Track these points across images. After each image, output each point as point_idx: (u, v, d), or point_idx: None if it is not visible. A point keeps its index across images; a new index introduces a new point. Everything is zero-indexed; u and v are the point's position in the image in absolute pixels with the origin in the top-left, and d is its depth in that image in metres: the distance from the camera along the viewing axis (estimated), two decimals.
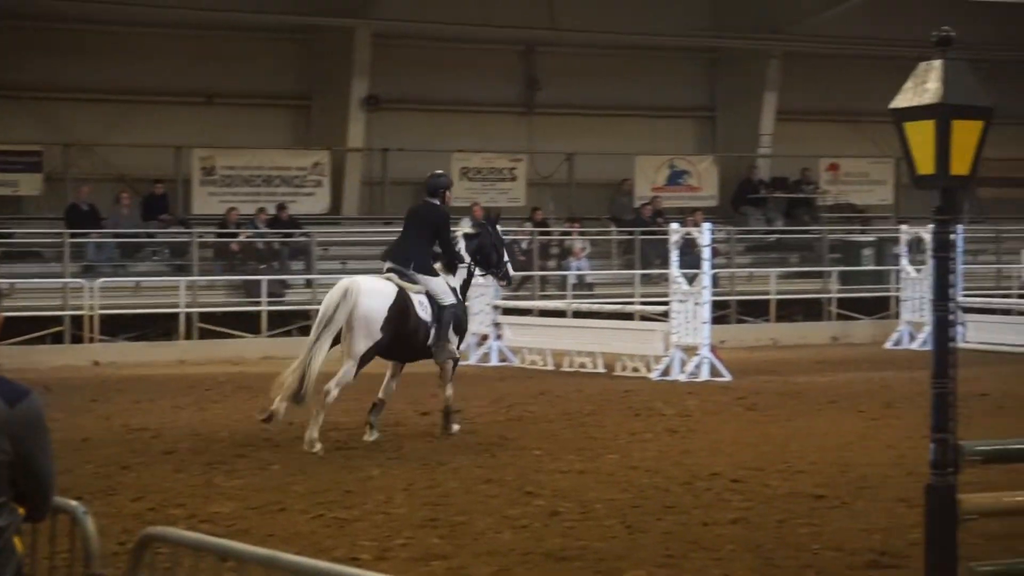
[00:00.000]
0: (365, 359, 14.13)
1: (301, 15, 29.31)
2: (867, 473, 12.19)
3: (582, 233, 29.82)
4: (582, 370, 21.72)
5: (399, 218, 30.65)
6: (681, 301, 20.55)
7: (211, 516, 10.44)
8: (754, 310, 28.91)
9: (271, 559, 4.42)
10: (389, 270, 14.67)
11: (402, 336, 14.30)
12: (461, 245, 15.23)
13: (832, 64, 33.66)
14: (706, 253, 20.77)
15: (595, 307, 24.50)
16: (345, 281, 14.45)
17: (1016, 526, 9.11)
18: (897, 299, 27.03)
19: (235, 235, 27.05)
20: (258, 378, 20.89)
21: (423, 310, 14.42)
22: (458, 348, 15.21)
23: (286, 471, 12.49)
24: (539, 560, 9.15)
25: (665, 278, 21.92)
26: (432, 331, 14.48)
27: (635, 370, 20.96)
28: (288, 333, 25.65)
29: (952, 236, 6.83)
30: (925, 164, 6.62)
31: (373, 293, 14.17)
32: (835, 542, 9.51)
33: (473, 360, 23.24)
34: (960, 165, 6.60)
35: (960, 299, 25.44)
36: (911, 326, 25.44)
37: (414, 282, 14.45)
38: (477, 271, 15.60)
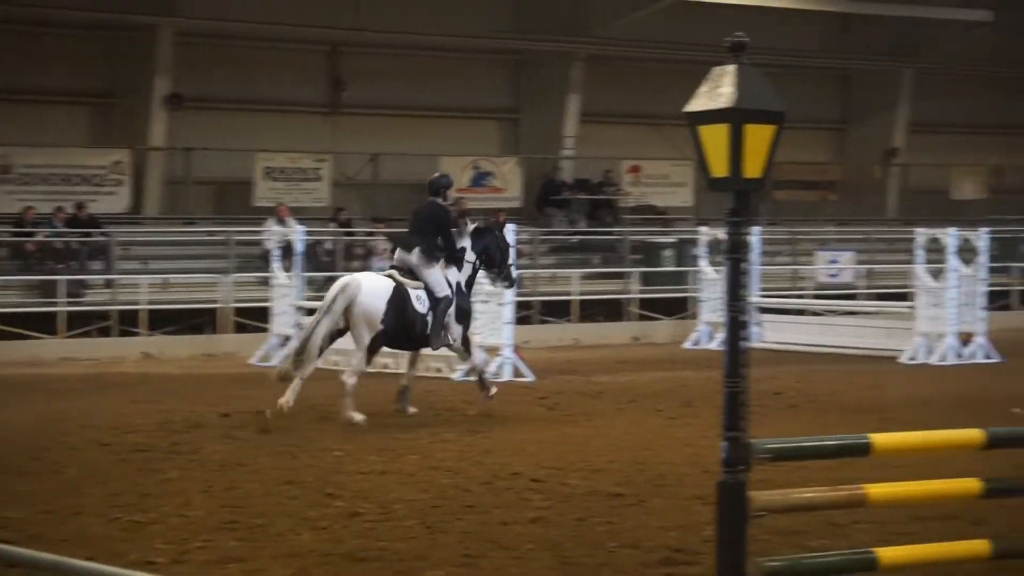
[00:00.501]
0: (372, 349, 15.74)
1: (103, 12, 28.74)
2: (664, 471, 12.37)
3: (386, 234, 29.75)
4: (385, 371, 21.68)
5: (202, 217, 30.48)
6: (484, 302, 20.64)
7: (2, 521, 10.20)
8: (557, 310, 29.15)
9: (57, 564, 4.33)
10: (392, 266, 16.16)
11: (401, 327, 15.74)
12: (468, 243, 16.35)
13: (634, 67, 34.13)
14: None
15: None
16: (345, 278, 16.05)
17: (805, 521, 9.35)
18: (696, 299, 27.47)
19: (32, 234, 26.46)
20: (57, 379, 20.56)
21: (420, 304, 15.78)
22: (464, 334, 16.28)
23: (82, 474, 12.26)
24: (338, 561, 9.12)
25: None
26: (430, 323, 15.81)
27: (437, 371, 20.97)
28: (87, 334, 25.20)
29: (746, 237, 6.96)
30: (719, 167, 6.73)
31: (372, 290, 15.63)
32: (631, 540, 9.63)
33: (273, 361, 23.09)
34: (753, 168, 6.72)
35: (756, 299, 26.05)
36: (710, 326, 25.86)
37: (414, 277, 15.81)
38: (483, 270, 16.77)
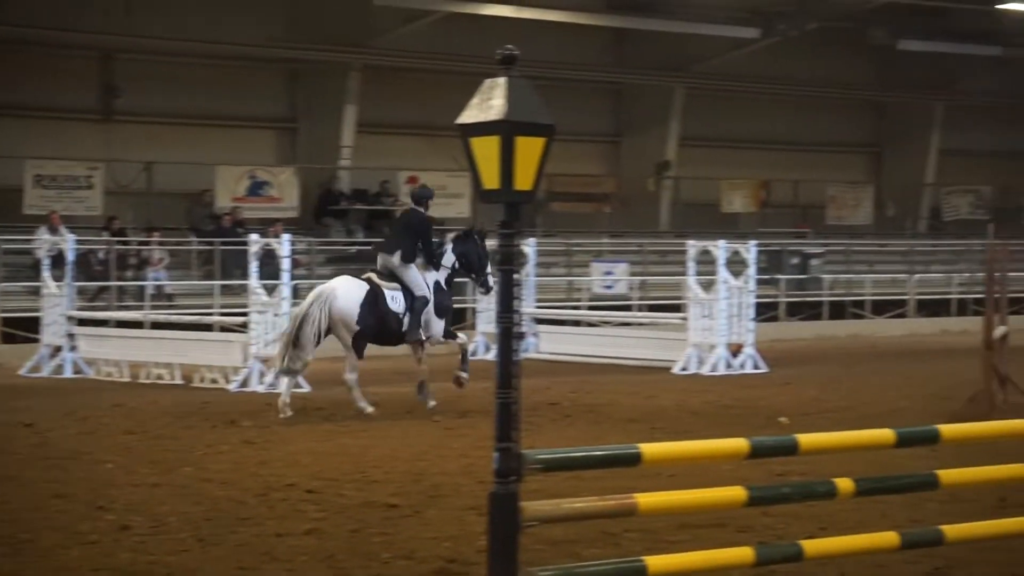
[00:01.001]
0: (357, 346, 17.22)
1: None
2: (440, 482, 12.39)
3: (161, 243, 29.32)
4: (159, 382, 21.39)
5: None
6: (260, 312, 20.47)
7: None
8: None
9: None
10: (372, 270, 17.58)
11: (378, 325, 17.24)
12: (448, 247, 17.87)
13: (410, 78, 34.22)
14: (286, 264, 20.79)
15: (173, 318, 24.16)
16: (320, 287, 17.57)
17: (579, 531, 9.47)
18: (474, 310, 27.59)
19: None
20: None
21: (395, 303, 17.27)
22: (445, 330, 17.77)
23: None
24: None
25: (245, 289, 21.77)
26: (406, 318, 17.30)
27: (213, 381, 20.76)
28: None
29: (518, 249, 7.01)
30: (490, 179, 6.78)
31: (346, 294, 17.16)
32: (406, 550, 9.63)
33: (46, 372, 22.60)
34: (523, 180, 6.78)
35: (531, 310, 26.28)
36: (487, 337, 26.00)
37: (391, 277, 17.30)
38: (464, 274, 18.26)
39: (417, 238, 17.53)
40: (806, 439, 7.52)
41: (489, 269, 18.07)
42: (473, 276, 18.37)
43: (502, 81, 6.72)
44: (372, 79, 33.38)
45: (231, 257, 28.44)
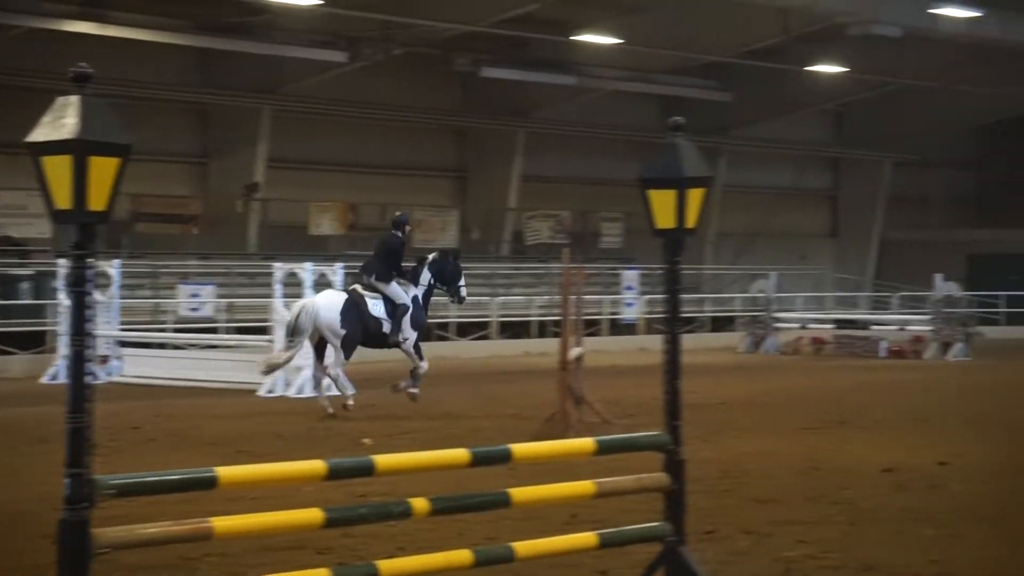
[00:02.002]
0: (345, 349, 19.76)
1: None
2: (15, 509, 11.99)
3: None
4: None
5: None
6: None
7: None
8: None
9: None
10: (354, 283, 20.32)
11: (361, 328, 19.77)
12: (426, 267, 20.28)
13: None
14: None
15: None
16: (301, 301, 20.50)
17: (158, 557, 9.32)
18: (55, 333, 26.81)
19: None
20: None
21: (376, 309, 19.81)
22: (416, 341, 20.19)
23: None
24: None
25: None
26: (387, 324, 19.82)
27: None
28: None
29: (91, 270, 6.87)
30: (62, 199, 6.62)
31: (327, 305, 19.79)
32: None
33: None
34: (97, 201, 6.64)
35: (115, 333, 25.73)
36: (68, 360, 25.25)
37: (373, 290, 19.84)
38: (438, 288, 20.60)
39: (392, 259, 20.02)
40: (383, 460, 7.61)
41: (461, 283, 20.67)
42: (446, 289, 20.71)
43: (75, 99, 6.57)
44: None
45: None
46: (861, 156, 52.10)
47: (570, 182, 44.98)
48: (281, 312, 23.67)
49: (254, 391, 23.28)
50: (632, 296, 39.38)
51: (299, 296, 23.44)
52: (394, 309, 19.88)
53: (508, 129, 42.87)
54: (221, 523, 6.93)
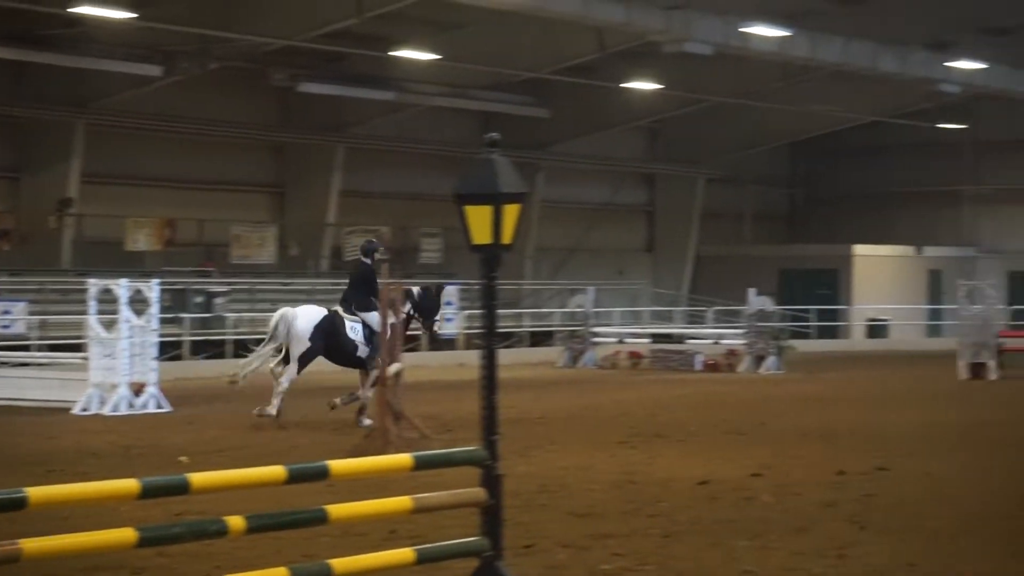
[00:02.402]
0: (302, 361, 20.25)
1: None
2: None
3: None
4: None
5: None
6: None
7: None
8: None
9: None
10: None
11: (332, 346, 20.29)
12: (408, 299, 20.02)
13: None
14: None
15: None
16: (281, 310, 20.70)
17: None
18: None
19: None
20: None
21: (354, 333, 20.23)
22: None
23: None
24: None
25: None
26: (363, 348, 20.17)
27: None
28: None
29: None
30: None
31: (305, 315, 20.31)
32: None
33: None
34: None
35: None
36: None
37: (353, 314, 20.25)
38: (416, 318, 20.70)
39: (366, 287, 20.13)
40: (198, 478, 7.55)
41: (438, 316, 21.18)
42: (423, 322, 20.91)
43: None
44: None
45: None
46: (676, 172, 52.90)
47: (389, 197, 44.96)
48: (96, 329, 23.34)
49: (68, 409, 22.88)
50: (451, 311, 39.45)
51: (115, 313, 23.14)
52: (372, 335, 19.98)
53: (327, 144, 42.71)
54: (31, 545, 6.82)
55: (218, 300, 36.26)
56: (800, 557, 10.70)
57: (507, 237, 8.54)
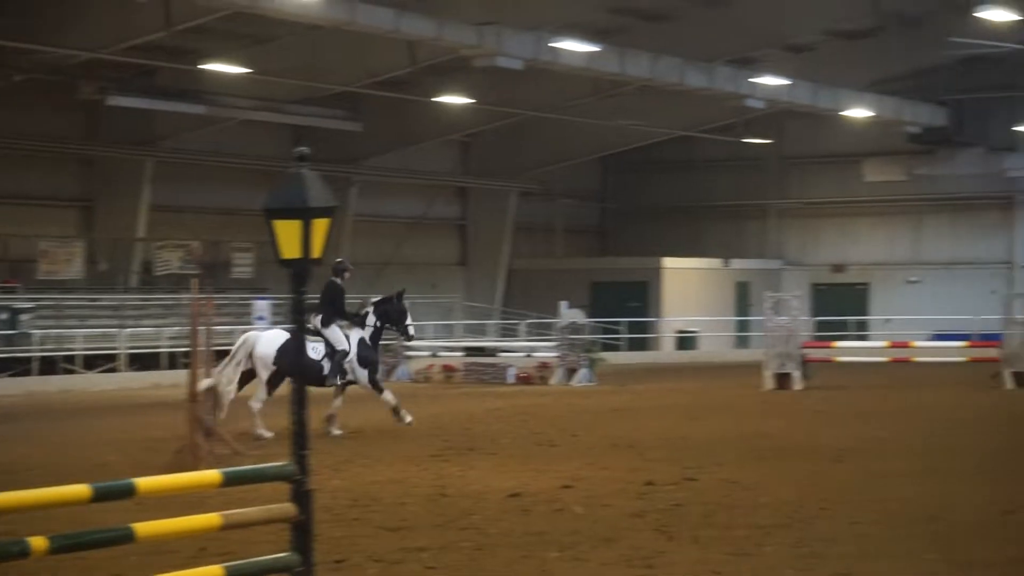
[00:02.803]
0: (271, 383, 20.84)
1: None
2: None
3: None
4: None
5: None
6: None
7: None
8: None
9: None
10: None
11: (295, 368, 19.81)
12: (370, 309, 21.72)
13: None
14: None
15: None
16: (247, 333, 21.64)
17: None
18: None
19: None
20: None
21: (315, 352, 20.81)
22: (370, 377, 21.51)
23: None
24: None
25: None
26: (326, 366, 20.94)
27: None
28: None
29: None
30: None
31: (267, 340, 20.96)
32: None
33: None
34: None
35: None
36: None
37: (316, 334, 20.86)
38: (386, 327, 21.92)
39: (331, 304, 21.13)
40: None
41: (408, 321, 22.12)
42: (395, 328, 22.16)
43: None
44: None
45: None
46: (488, 186, 53.16)
47: (201, 212, 44.46)
48: None
49: None
50: (263, 326, 39.17)
51: None
52: (333, 352, 20.95)
53: (136, 158, 42.07)
54: None
55: (23, 316, 35.53)
56: (609, 567, 10.85)
57: (317, 251, 8.54)
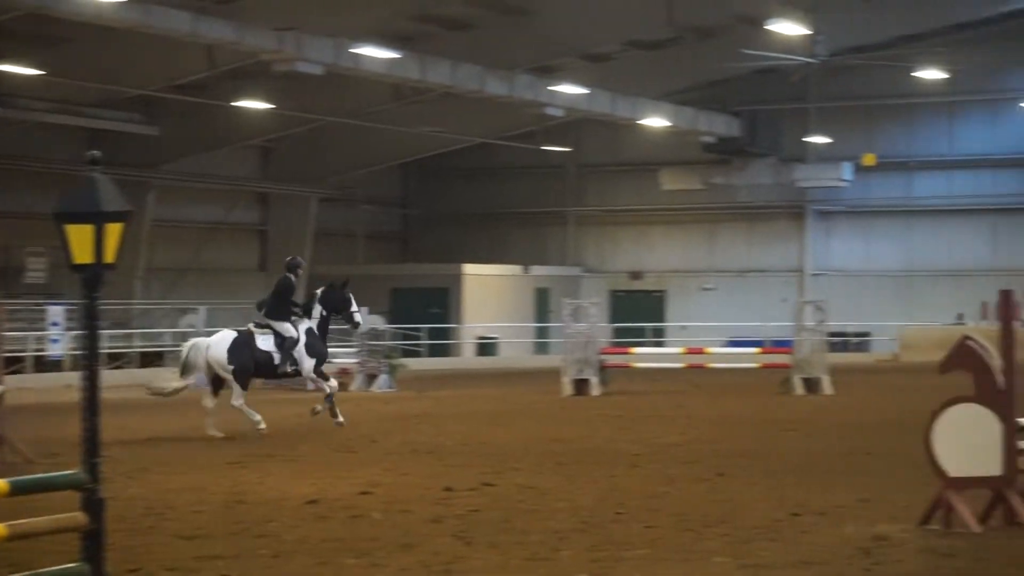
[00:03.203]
0: (239, 381, 21.77)
1: None
2: None
3: None
4: None
5: None
6: None
7: None
8: None
9: None
10: (254, 323, 22.27)
11: (250, 362, 21.83)
12: (316, 300, 22.48)
13: None
14: None
15: None
16: (191, 341, 22.85)
17: None
18: None
19: None
20: None
21: (265, 343, 21.83)
22: (316, 368, 22.17)
23: None
24: None
25: None
26: (276, 356, 21.86)
27: None
28: None
29: None
30: None
31: (216, 343, 21.87)
32: None
33: None
34: None
35: None
36: None
37: (264, 326, 21.90)
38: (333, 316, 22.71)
39: (280, 297, 22.15)
40: None
41: (354, 308, 22.76)
42: (342, 316, 22.78)
43: None
44: None
45: None
46: (289, 191, 52.82)
47: None
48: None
49: None
50: (58, 332, 38.44)
51: None
52: (283, 342, 21.87)
53: None
54: None
55: None
56: (407, 573, 10.88)
57: (110, 256, 8.43)
